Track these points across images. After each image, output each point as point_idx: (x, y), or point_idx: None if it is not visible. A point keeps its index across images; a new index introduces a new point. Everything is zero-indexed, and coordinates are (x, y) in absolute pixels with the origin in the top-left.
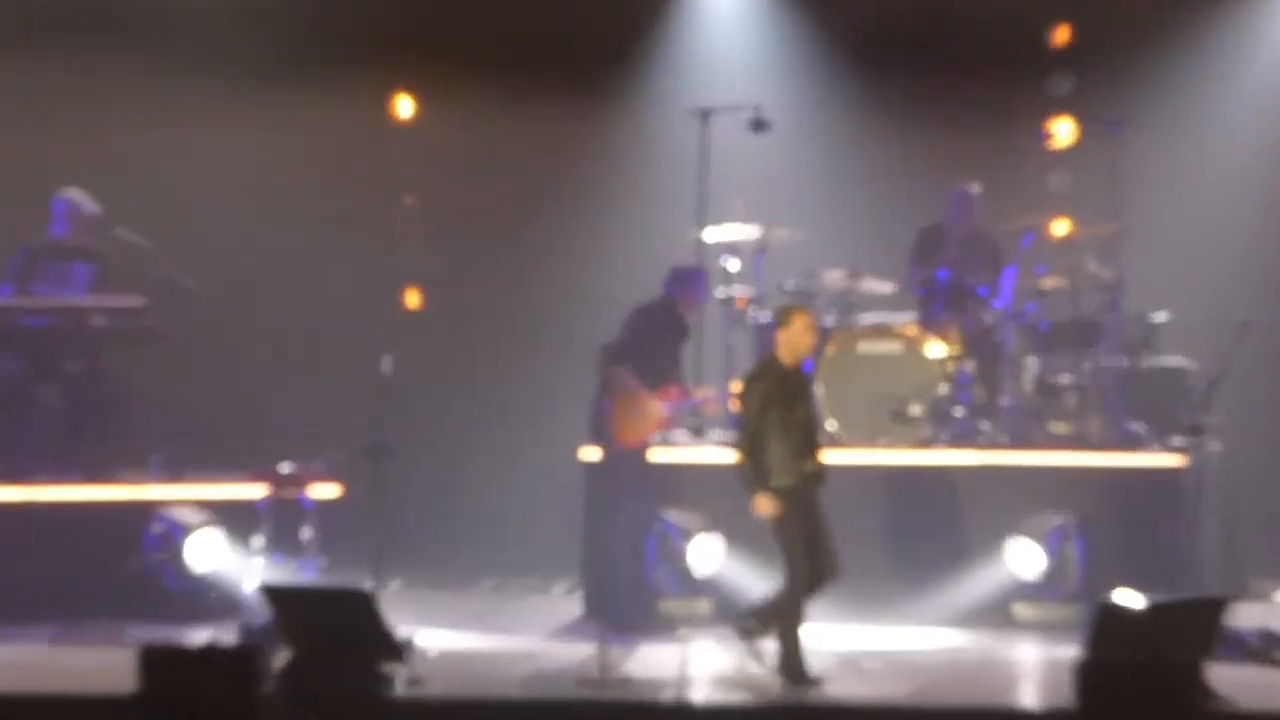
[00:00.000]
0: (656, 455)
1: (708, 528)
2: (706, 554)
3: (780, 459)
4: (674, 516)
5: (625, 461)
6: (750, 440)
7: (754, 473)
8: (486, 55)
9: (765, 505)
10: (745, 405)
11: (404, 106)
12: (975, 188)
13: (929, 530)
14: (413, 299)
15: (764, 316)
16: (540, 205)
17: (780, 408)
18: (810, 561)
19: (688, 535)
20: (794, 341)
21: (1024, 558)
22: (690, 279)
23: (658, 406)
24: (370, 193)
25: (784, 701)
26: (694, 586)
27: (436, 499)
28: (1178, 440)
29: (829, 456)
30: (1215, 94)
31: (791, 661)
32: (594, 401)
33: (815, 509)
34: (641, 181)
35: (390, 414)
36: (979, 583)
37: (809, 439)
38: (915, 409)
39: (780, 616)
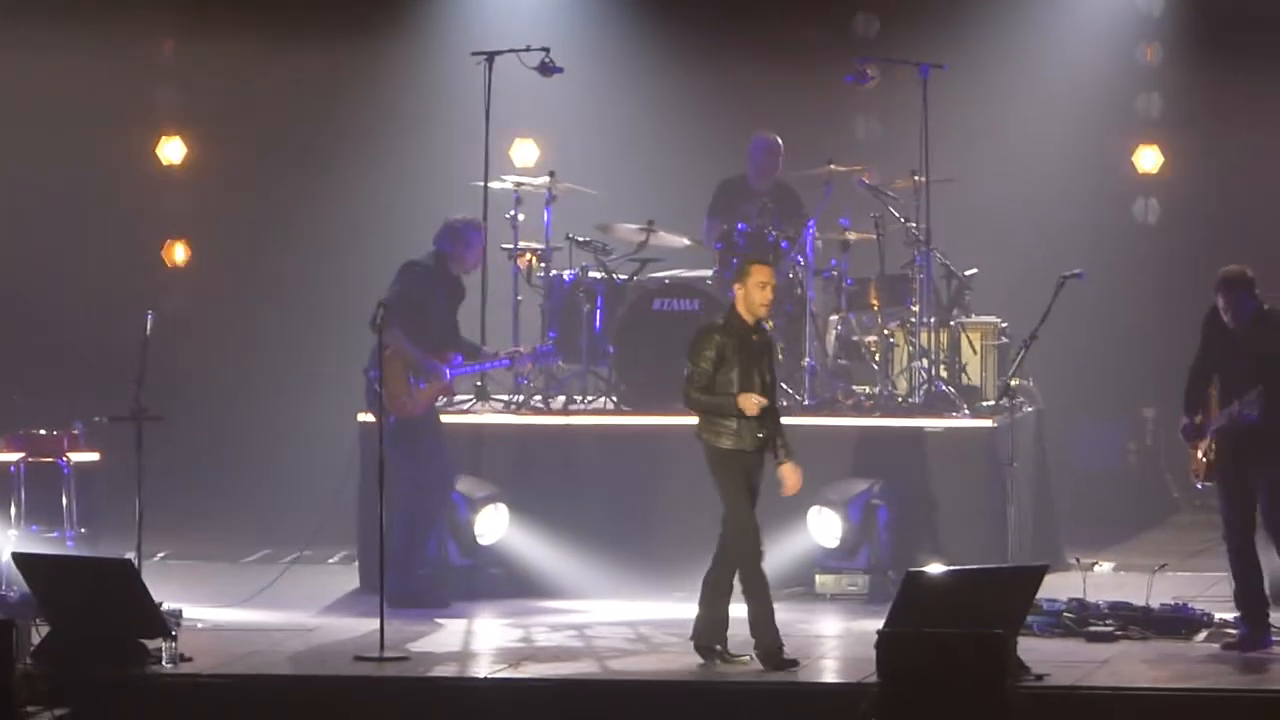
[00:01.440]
0: (437, 420)
1: (493, 496)
2: (491, 523)
3: (737, 421)
4: (458, 484)
5: (403, 428)
6: (702, 390)
7: (712, 401)
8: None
9: (748, 402)
10: (695, 353)
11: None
12: (775, 137)
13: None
14: (177, 253)
15: (555, 271)
16: (313, 154)
17: (740, 367)
18: (742, 532)
19: (472, 504)
20: (749, 297)
21: (825, 526)
22: (463, 234)
23: (437, 371)
24: (130, 141)
25: (565, 676)
26: (478, 556)
27: (204, 465)
28: (988, 402)
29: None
30: (1029, 37)
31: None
32: (370, 364)
33: (757, 477)
34: (422, 129)
35: (153, 375)
36: (780, 553)
37: (768, 404)
38: None
39: (744, 585)
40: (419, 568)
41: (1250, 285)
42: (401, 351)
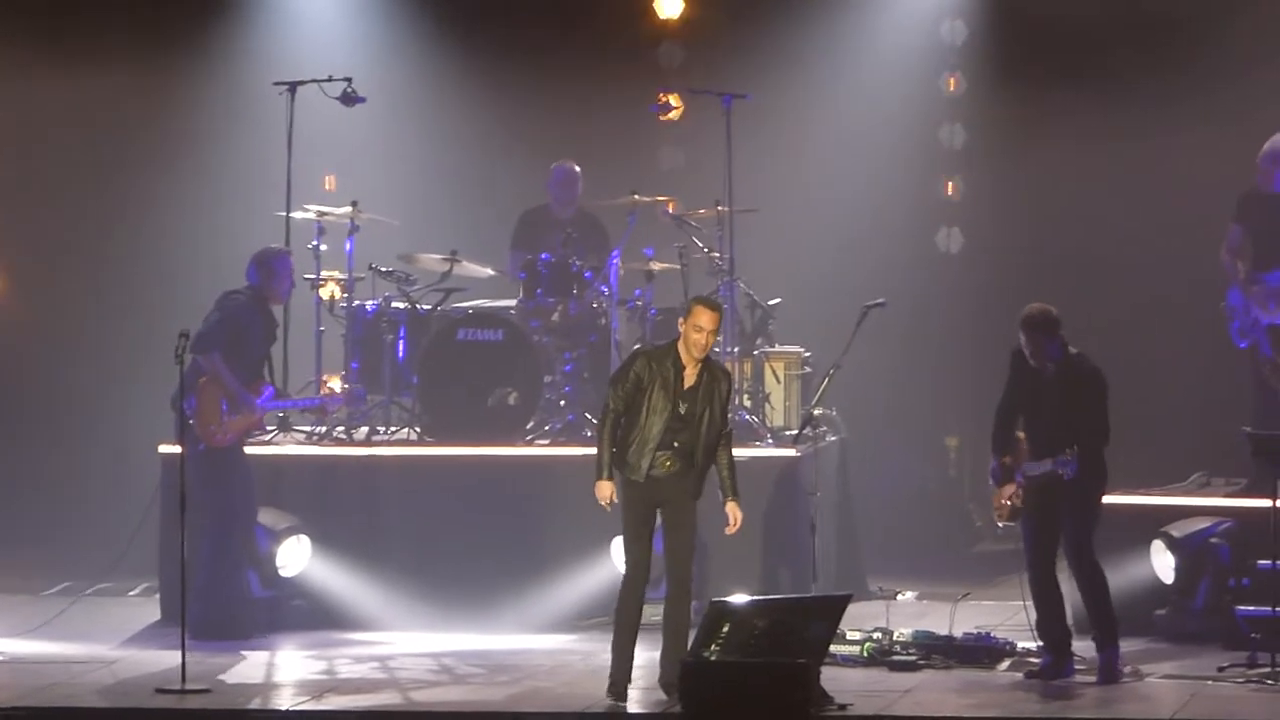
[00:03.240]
0: (243, 453)
1: (295, 528)
2: (293, 555)
3: (635, 447)
4: (261, 516)
5: (212, 458)
6: (615, 412)
7: (601, 450)
8: (36, 12)
9: (599, 491)
10: (611, 382)
11: None
12: (574, 165)
13: (531, 529)
14: None
15: (358, 301)
16: (118, 180)
17: (651, 402)
18: (633, 567)
19: (274, 536)
20: (685, 337)
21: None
22: (270, 264)
23: (249, 403)
24: None
25: (368, 708)
26: (280, 588)
27: (3, 495)
28: (791, 432)
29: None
30: (834, 67)
31: (615, 670)
32: (177, 392)
33: (662, 505)
34: (226, 156)
35: None
36: (583, 584)
37: (675, 436)
38: (515, 399)
39: (616, 616)
40: (224, 600)
41: (1054, 326)
42: (219, 379)
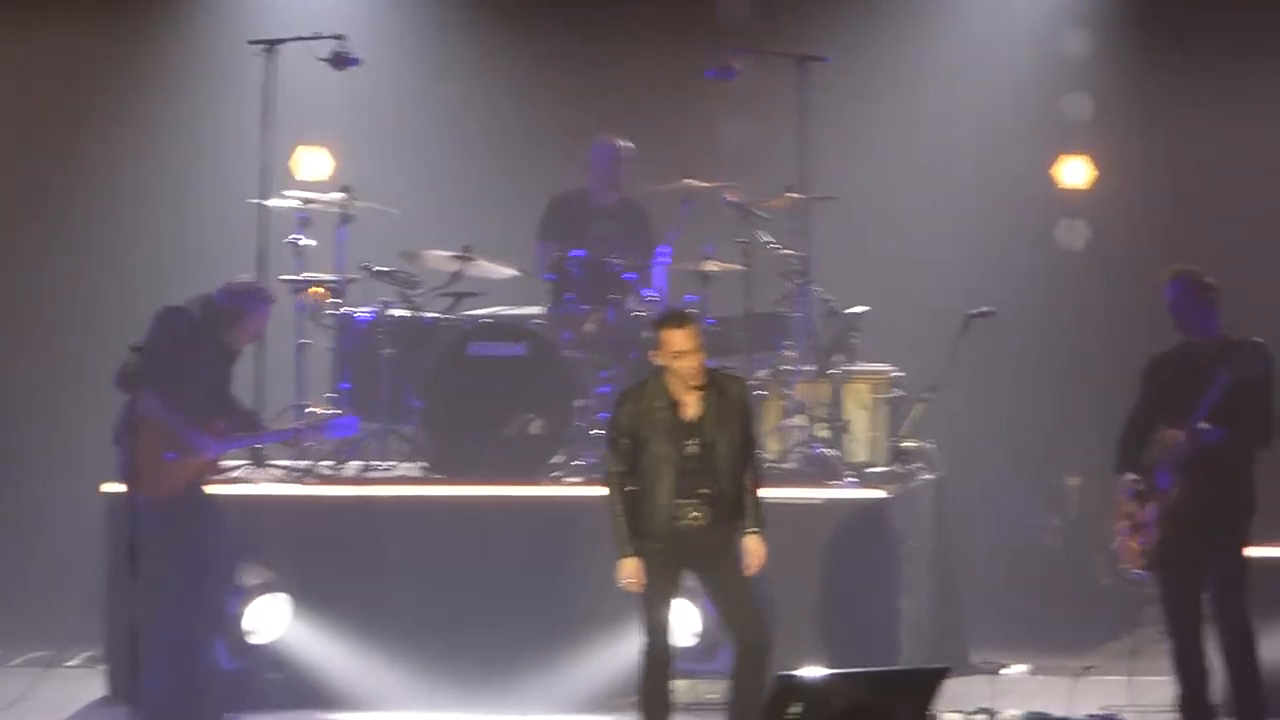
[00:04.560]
0: (206, 499)
1: (270, 585)
2: (268, 617)
3: (647, 509)
4: None
5: (161, 510)
6: (618, 473)
7: (616, 521)
8: None
9: (622, 570)
10: (607, 429)
11: None
12: (622, 142)
13: (558, 587)
14: None
15: (349, 308)
16: (58, 163)
17: (652, 450)
18: (653, 636)
19: (244, 594)
20: (672, 372)
21: (681, 619)
22: (243, 300)
23: (198, 445)
24: None
25: None
26: (251, 657)
27: None
28: (878, 469)
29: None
30: (929, 26)
31: None
32: (119, 427)
33: (695, 565)
34: (191, 132)
35: None
36: (620, 653)
37: (696, 483)
38: (539, 427)
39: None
40: (187, 675)
41: (1214, 292)
42: (153, 418)
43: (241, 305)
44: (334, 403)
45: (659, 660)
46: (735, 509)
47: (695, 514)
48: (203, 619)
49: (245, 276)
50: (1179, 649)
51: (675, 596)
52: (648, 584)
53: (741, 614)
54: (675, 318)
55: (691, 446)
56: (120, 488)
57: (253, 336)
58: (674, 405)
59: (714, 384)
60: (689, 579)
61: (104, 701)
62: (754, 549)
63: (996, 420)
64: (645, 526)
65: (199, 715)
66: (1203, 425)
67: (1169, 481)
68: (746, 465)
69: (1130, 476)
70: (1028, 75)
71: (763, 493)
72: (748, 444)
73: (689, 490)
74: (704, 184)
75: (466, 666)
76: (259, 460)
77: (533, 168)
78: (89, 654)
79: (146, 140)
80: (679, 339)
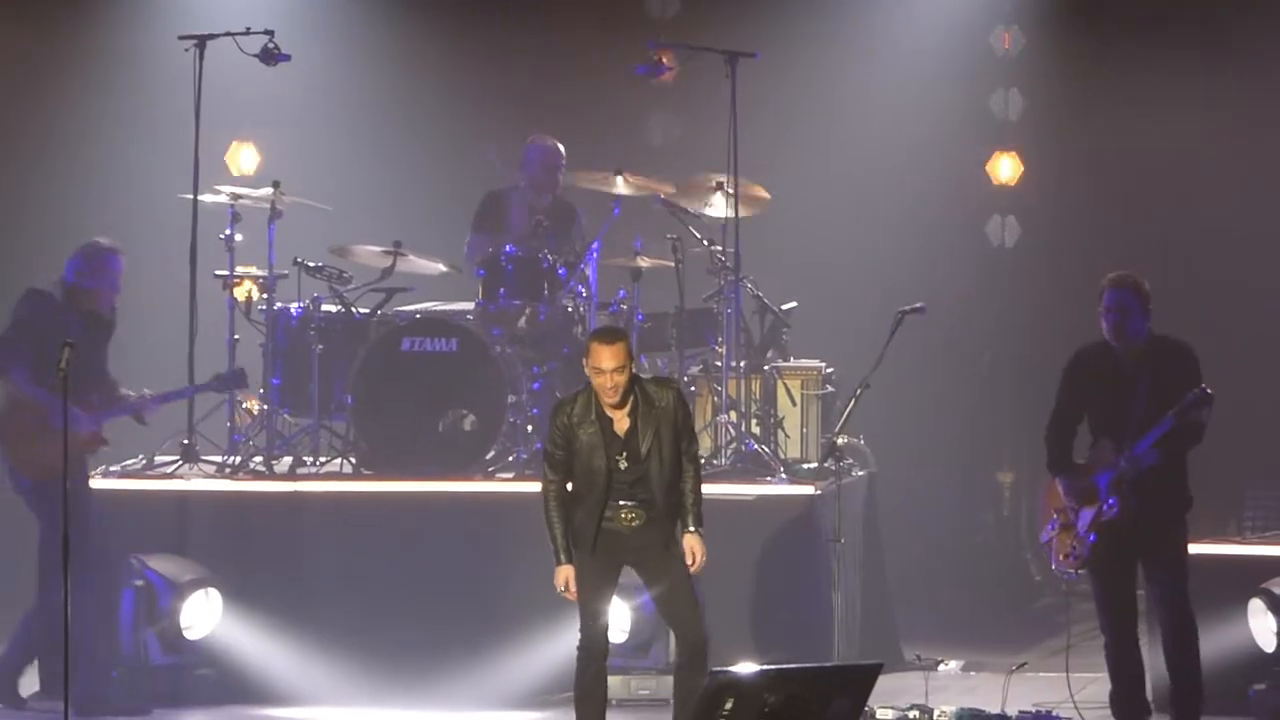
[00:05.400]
0: (85, 482)
1: (202, 580)
2: (200, 613)
3: (582, 513)
4: (160, 565)
5: (41, 492)
6: (554, 481)
7: (552, 532)
8: None
9: (558, 579)
10: (547, 437)
11: None
12: (556, 142)
13: (490, 582)
14: None
15: (280, 304)
16: None
17: (584, 457)
18: (590, 632)
19: (177, 589)
20: (590, 375)
21: (618, 618)
22: (91, 262)
23: (74, 422)
24: None
25: None
26: (184, 652)
27: None
28: (809, 465)
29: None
30: (860, 22)
31: None
32: None
33: (633, 564)
34: (119, 128)
35: None
36: (553, 649)
37: (629, 492)
38: (471, 423)
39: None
40: (109, 666)
41: (1147, 297)
42: (21, 397)
43: (93, 263)
44: (263, 398)
45: (595, 656)
46: (673, 511)
47: (630, 516)
48: (86, 605)
49: (95, 240)
50: (1113, 645)
51: (611, 593)
52: (584, 582)
53: (681, 613)
54: (604, 333)
55: (623, 461)
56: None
57: (108, 297)
58: (605, 419)
59: (644, 396)
60: (627, 575)
61: (37, 696)
62: (695, 548)
63: (928, 416)
64: (581, 530)
65: (126, 709)
66: (1145, 449)
67: (1108, 502)
68: (682, 472)
69: (1064, 478)
70: (958, 71)
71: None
72: (682, 452)
73: (622, 497)
74: (634, 180)
75: (400, 662)
76: (190, 456)
77: (463, 163)
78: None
79: (77, 135)
80: (602, 356)
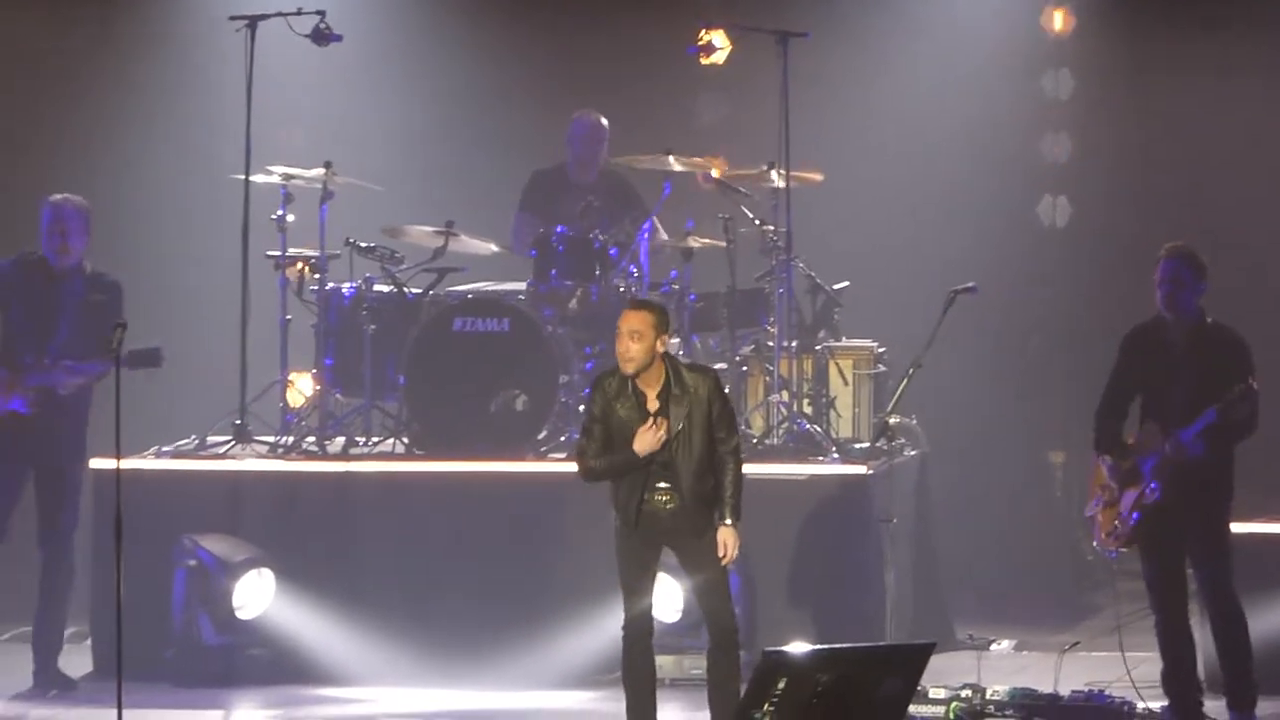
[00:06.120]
0: (153, 465)
1: (255, 560)
2: (253, 593)
3: (624, 488)
4: (214, 545)
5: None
6: (591, 454)
7: (611, 460)
8: None
9: (640, 436)
10: (586, 412)
11: None
12: (599, 117)
13: (542, 562)
14: None
15: (333, 284)
16: (42, 144)
17: (619, 432)
18: (633, 612)
19: (229, 569)
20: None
21: (660, 596)
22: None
23: None
24: None
25: None
26: (237, 632)
27: None
28: (862, 445)
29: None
30: (912, 3)
31: None
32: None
33: (672, 546)
34: (171, 109)
35: None
36: (604, 629)
37: (662, 473)
38: (523, 403)
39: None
40: (168, 645)
41: (1202, 270)
42: None
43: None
44: (316, 378)
45: (639, 636)
46: (704, 501)
47: (664, 498)
48: (56, 582)
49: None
50: (1163, 624)
51: (654, 572)
52: (626, 562)
53: (711, 604)
54: (634, 300)
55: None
56: (108, 461)
57: (46, 245)
58: (640, 395)
59: (677, 380)
60: (670, 555)
61: (91, 677)
62: (728, 540)
63: (980, 396)
64: (624, 507)
65: (189, 683)
66: (1190, 438)
67: (1150, 485)
68: (715, 463)
69: (1109, 459)
70: (1009, 51)
71: (748, 471)
72: (718, 443)
73: (657, 479)
74: (685, 160)
75: (449, 642)
76: (243, 437)
77: (515, 143)
78: (74, 630)
79: (129, 117)
80: (622, 320)
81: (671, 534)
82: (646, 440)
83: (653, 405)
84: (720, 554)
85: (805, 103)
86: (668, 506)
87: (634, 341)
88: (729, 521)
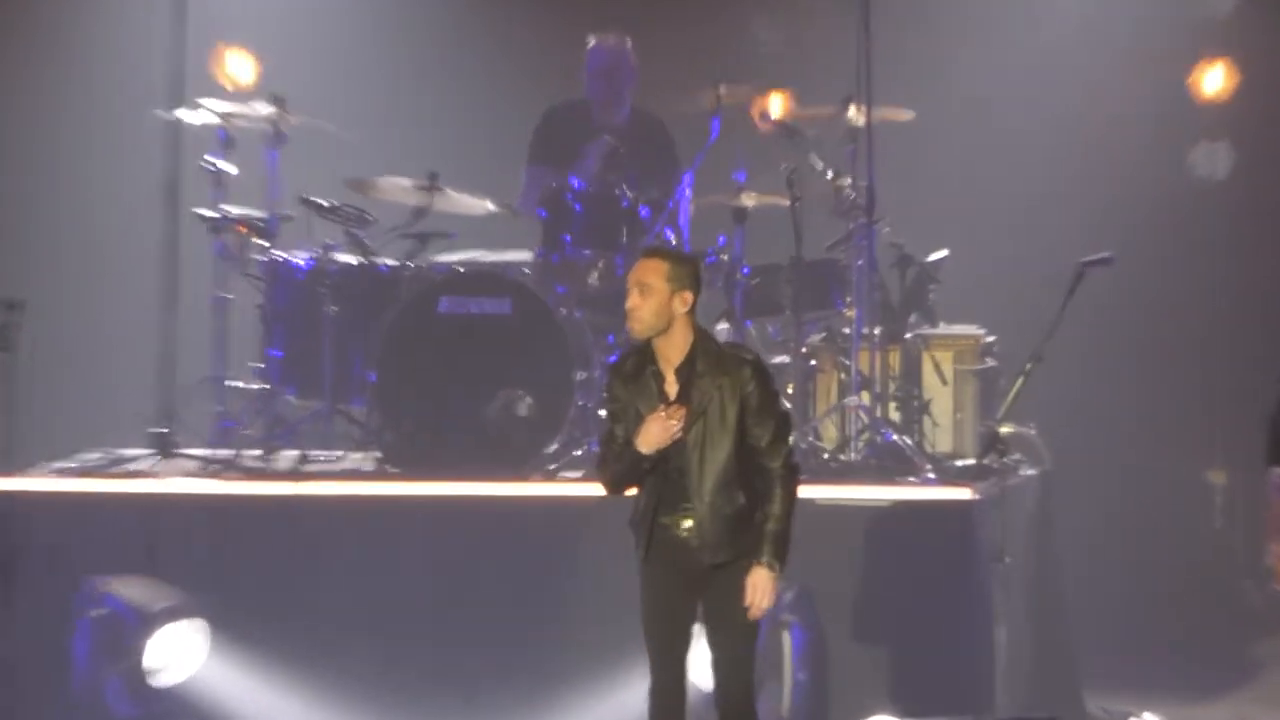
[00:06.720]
0: (49, 486)
1: (180, 608)
2: (177, 650)
3: (640, 509)
4: (122, 590)
5: None
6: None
7: (623, 454)
8: None
9: (644, 438)
10: (606, 403)
11: None
12: (624, 41)
13: (548, 609)
14: None
15: (282, 253)
16: None
17: (644, 415)
18: (661, 672)
19: (146, 620)
20: None
21: (697, 657)
22: None
23: None
24: None
25: None
26: (154, 701)
27: None
28: (966, 461)
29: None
30: None
31: None
32: None
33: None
34: (85, 32)
35: None
36: (624, 693)
37: (675, 476)
38: (527, 407)
39: None
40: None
41: None
42: None
43: None
44: (261, 374)
45: (669, 709)
46: (730, 524)
47: (682, 518)
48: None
49: None
50: None
51: (687, 623)
52: (649, 609)
53: (719, 671)
54: (647, 247)
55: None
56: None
57: None
58: (658, 378)
59: (705, 360)
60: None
61: None
62: (760, 587)
63: (1117, 399)
64: (636, 529)
65: None
66: None
67: None
68: (746, 471)
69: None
70: None
71: (816, 495)
72: (759, 452)
73: (672, 501)
74: (738, 93)
75: (433, 710)
76: (167, 449)
77: (518, 78)
78: None
79: (34, 41)
80: (635, 270)
81: (698, 576)
82: (653, 432)
83: (670, 388)
84: (749, 602)
85: (891, 22)
86: (687, 529)
87: (640, 297)
88: (765, 560)
